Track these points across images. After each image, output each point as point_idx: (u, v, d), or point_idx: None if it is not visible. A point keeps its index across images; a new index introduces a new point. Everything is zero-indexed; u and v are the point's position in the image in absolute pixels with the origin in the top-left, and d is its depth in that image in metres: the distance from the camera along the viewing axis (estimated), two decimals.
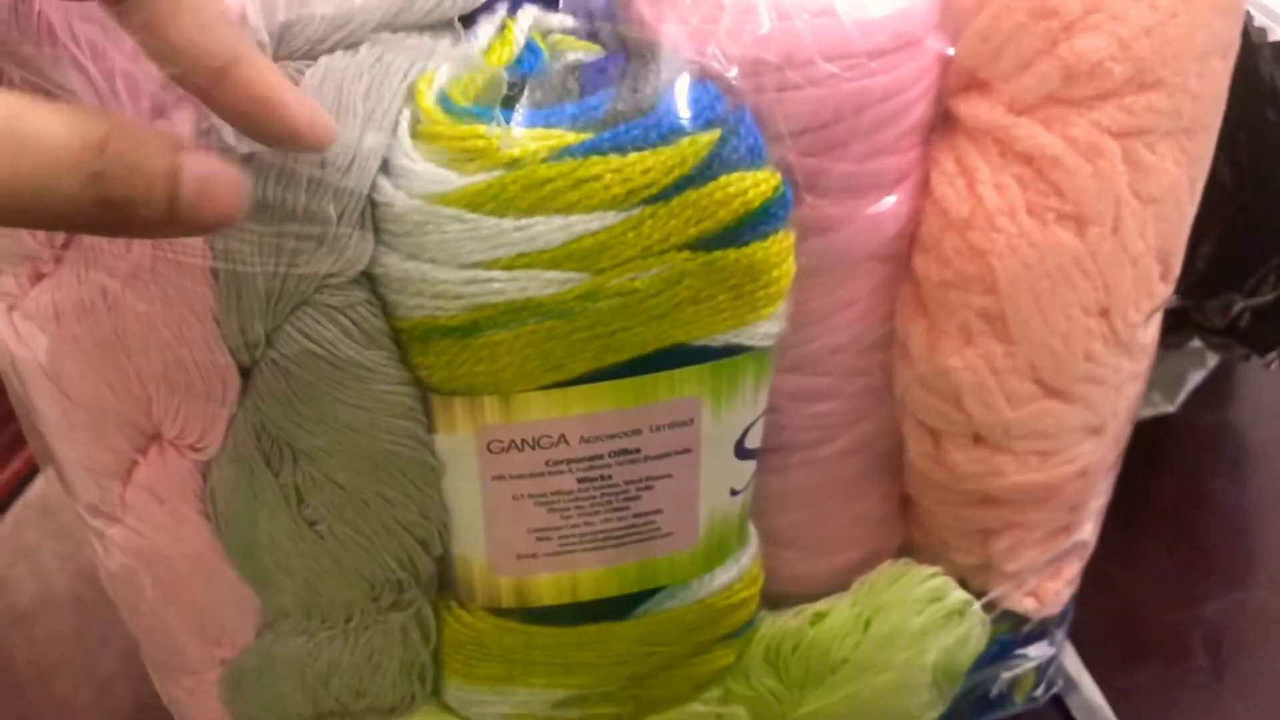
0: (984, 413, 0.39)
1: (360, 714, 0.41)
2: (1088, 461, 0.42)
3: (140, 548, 0.39)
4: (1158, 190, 0.37)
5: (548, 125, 0.32)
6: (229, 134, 0.30)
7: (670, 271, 0.33)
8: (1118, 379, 0.41)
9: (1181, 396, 0.62)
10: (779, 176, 0.33)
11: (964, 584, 0.45)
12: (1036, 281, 0.37)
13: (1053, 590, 0.47)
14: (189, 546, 0.37)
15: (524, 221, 0.31)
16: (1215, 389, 0.63)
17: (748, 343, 0.35)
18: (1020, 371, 0.38)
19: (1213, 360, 0.62)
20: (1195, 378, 0.62)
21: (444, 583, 0.39)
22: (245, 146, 0.30)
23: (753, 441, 0.37)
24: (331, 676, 0.40)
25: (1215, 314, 0.61)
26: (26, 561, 0.64)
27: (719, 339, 0.34)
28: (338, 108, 0.31)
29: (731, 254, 0.33)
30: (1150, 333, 0.41)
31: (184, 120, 0.31)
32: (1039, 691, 0.52)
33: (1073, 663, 0.57)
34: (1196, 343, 0.63)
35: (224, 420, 0.34)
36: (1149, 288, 0.39)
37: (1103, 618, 0.57)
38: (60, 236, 0.33)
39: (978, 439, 0.40)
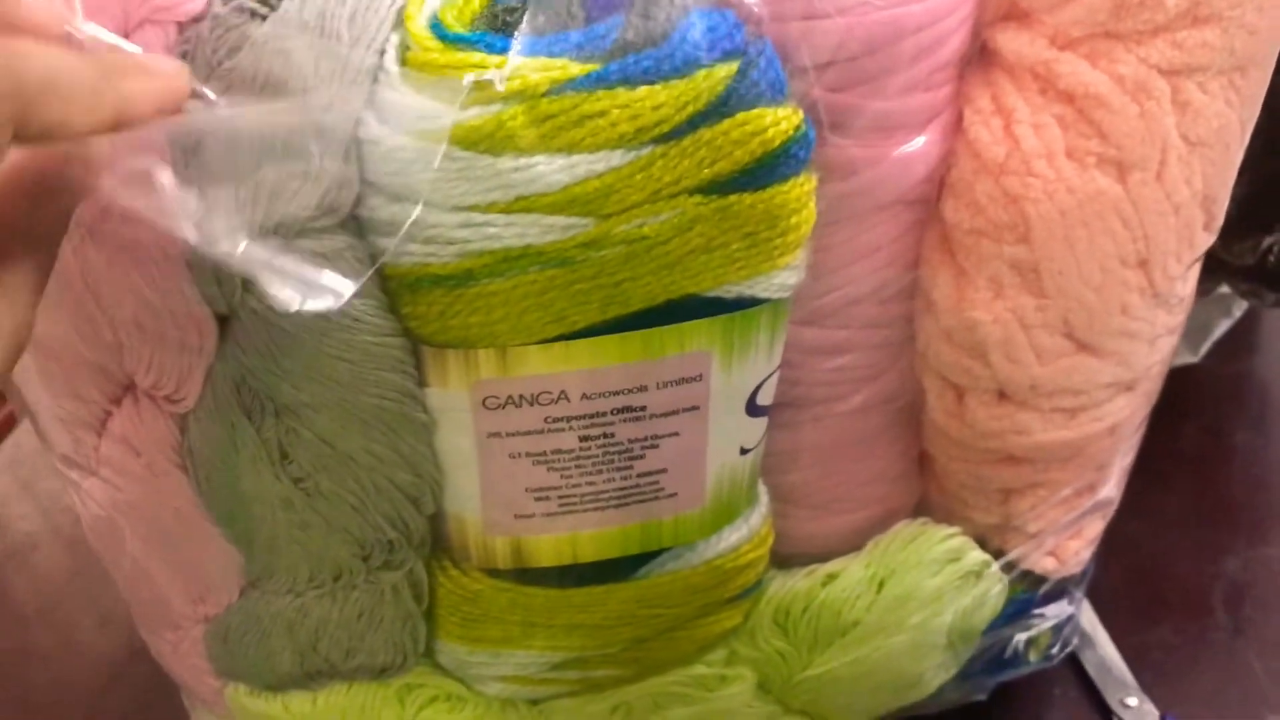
0: (1011, 368, 0.36)
1: (350, 673, 0.39)
2: (1117, 419, 0.40)
3: (117, 501, 0.36)
4: (1207, 133, 0.35)
5: (550, 55, 0.29)
6: (202, 64, 0.28)
7: (681, 217, 0.30)
8: (1153, 333, 0.38)
9: (1206, 346, 0.60)
10: (801, 114, 0.31)
11: (982, 543, 0.43)
12: (1073, 230, 0.34)
13: (1073, 549, 0.45)
14: (168, 501, 0.35)
15: (523, 161, 0.29)
16: (1239, 339, 0.61)
17: (763, 294, 0.32)
18: (1051, 325, 0.36)
19: (1239, 310, 0.59)
20: (1221, 327, 0.59)
21: (438, 542, 0.37)
22: (219, 80, 0.28)
23: (765, 398, 0.35)
24: (320, 636, 0.38)
25: (1247, 253, 0.59)
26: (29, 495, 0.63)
27: (732, 290, 0.32)
28: (320, 33, 0.28)
29: (747, 198, 0.30)
30: (1189, 284, 0.39)
31: (150, 47, 0.28)
32: (1054, 649, 0.51)
33: (1088, 618, 0.55)
34: (1223, 289, 0.60)
35: (201, 371, 0.32)
36: (1191, 237, 0.37)
37: (1121, 572, 0.56)
38: None
39: (1002, 395, 0.38)
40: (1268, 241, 0.55)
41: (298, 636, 0.38)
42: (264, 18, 0.28)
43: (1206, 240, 0.38)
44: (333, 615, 0.37)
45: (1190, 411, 0.61)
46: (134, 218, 0.29)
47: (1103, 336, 0.37)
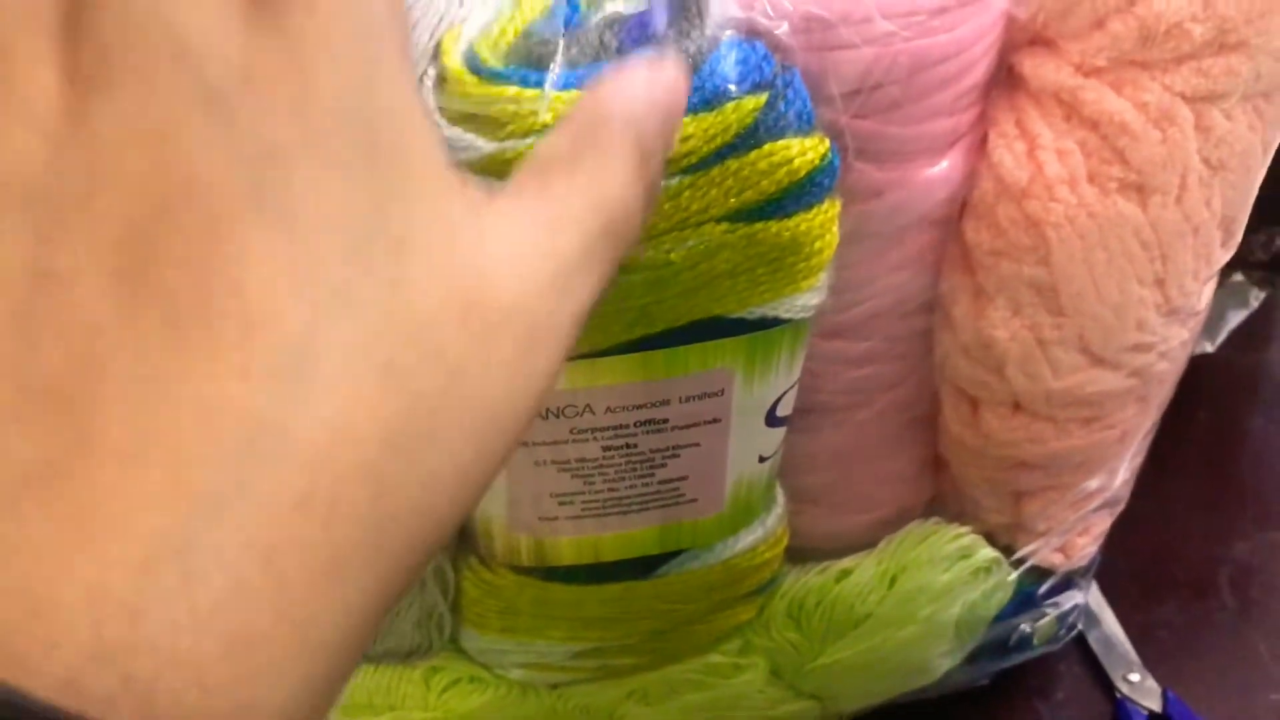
0: (1027, 383, 0.37)
1: (378, 657, 0.41)
2: (1129, 426, 0.41)
3: None
4: (1228, 157, 0.35)
5: (582, 87, 0.29)
6: None
7: (707, 244, 0.31)
8: (1167, 346, 0.39)
9: (1221, 336, 0.60)
10: (827, 143, 0.31)
11: (991, 540, 0.44)
12: (1092, 253, 0.35)
13: (1081, 545, 0.46)
14: None
15: None
16: (1255, 329, 0.61)
17: (785, 315, 0.33)
18: (1067, 342, 0.37)
19: (1255, 300, 0.60)
20: (1237, 317, 0.60)
21: (465, 539, 0.38)
22: None
23: (784, 410, 0.36)
24: None
25: (1259, 247, 0.59)
26: None
27: (755, 312, 0.33)
28: None
29: (773, 226, 0.31)
30: (1205, 297, 0.40)
31: None
32: (1060, 634, 0.52)
33: (1095, 597, 0.56)
34: (1238, 277, 0.60)
35: None
36: (1209, 256, 0.37)
37: (1129, 553, 0.57)
38: None
39: (1017, 407, 0.38)
40: None
41: None
42: None
43: (1224, 257, 0.38)
44: None
45: (1203, 399, 0.62)
46: None
47: (1118, 352, 0.37)
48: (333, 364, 0.17)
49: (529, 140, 0.29)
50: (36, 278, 0.16)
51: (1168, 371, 0.41)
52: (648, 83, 0.23)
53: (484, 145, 0.29)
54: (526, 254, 0.20)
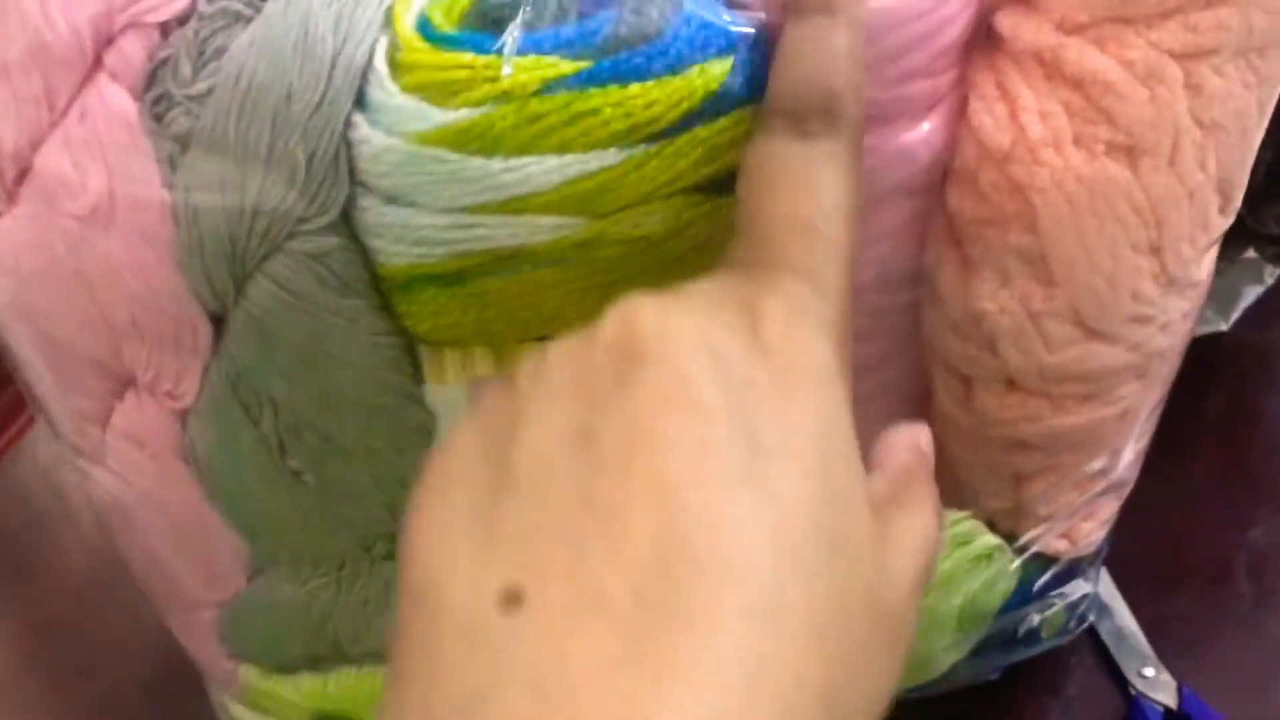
0: (1020, 357, 0.36)
1: (360, 658, 0.40)
2: (1131, 403, 0.39)
3: (124, 490, 0.37)
4: (1222, 116, 0.34)
5: (540, 52, 0.28)
6: (186, 67, 0.27)
7: (677, 217, 0.30)
8: (1166, 318, 0.37)
9: (1236, 314, 0.58)
10: None
11: (992, 526, 0.42)
12: (1082, 219, 0.33)
13: (1086, 531, 0.45)
14: (174, 492, 0.36)
15: (514, 162, 0.28)
16: (1269, 306, 0.59)
17: None
18: (1060, 314, 0.35)
19: (1270, 277, 0.58)
20: (1251, 294, 0.58)
21: None
22: (205, 82, 0.27)
23: None
24: (326, 622, 0.38)
25: (1273, 221, 0.58)
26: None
27: None
28: (305, 34, 0.28)
29: None
30: (1205, 267, 0.38)
31: (134, 50, 0.28)
32: (1070, 626, 0.50)
33: (1106, 587, 0.55)
34: (1251, 254, 0.59)
35: (197, 369, 0.32)
36: (1206, 221, 0.36)
37: (1141, 541, 0.55)
38: (12, 172, 0.30)
39: (1011, 384, 0.37)
40: None
41: (305, 622, 0.38)
42: (249, 20, 0.28)
43: (1223, 223, 0.37)
44: (338, 602, 0.38)
45: (1217, 379, 0.60)
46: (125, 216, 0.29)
47: (1114, 323, 0.36)
48: (797, 621, 0.21)
49: (484, 108, 0.28)
50: (592, 508, 0.21)
51: (1169, 346, 0.39)
52: (923, 437, 0.29)
53: (439, 115, 0.28)
54: (905, 568, 0.25)
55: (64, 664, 0.56)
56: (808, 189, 0.27)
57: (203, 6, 0.28)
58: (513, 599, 0.21)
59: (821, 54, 0.28)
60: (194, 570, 0.39)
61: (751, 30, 0.29)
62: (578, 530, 0.21)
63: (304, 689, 0.41)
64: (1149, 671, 0.52)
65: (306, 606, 0.38)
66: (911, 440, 0.28)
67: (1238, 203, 0.37)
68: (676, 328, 0.23)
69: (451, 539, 0.22)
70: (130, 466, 0.36)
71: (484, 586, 0.21)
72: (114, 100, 0.28)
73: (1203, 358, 0.43)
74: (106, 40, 0.28)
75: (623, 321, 0.24)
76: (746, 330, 0.24)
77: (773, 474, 0.22)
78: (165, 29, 0.28)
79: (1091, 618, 0.52)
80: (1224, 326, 0.59)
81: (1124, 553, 0.51)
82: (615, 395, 0.22)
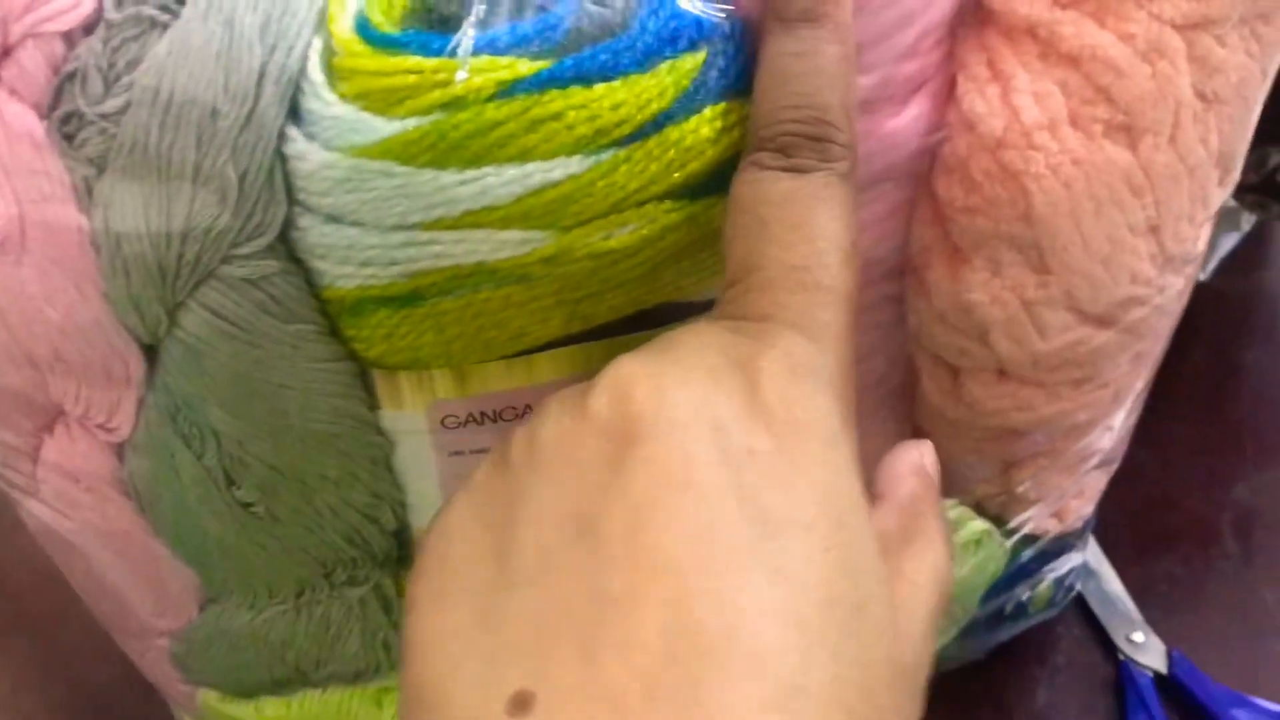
0: (1012, 347, 0.34)
1: (323, 681, 0.38)
2: (1124, 383, 0.38)
3: (63, 522, 0.34)
4: (1225, 88, 0.31)
5: (495, 52, 0.26)
6: (96, 82, 0.24)
7: (650, 226, 0.27)
8: (1163, 298, 0.35)
9: (1214, 264, 0.57)
10: None
11: (980, 509, 0.41)
12: (1079, 204, 0.31)
13: (1075, 508, 0.43)
14: (114, 525, 0.33)
15: (470, 174, 0.26)
16: (1248, 255, 0.58)
17: None
18: (1054, 301, 0.33)
19: (1247, 223, 0.56)
20: (1228, 243, 0.57)
21: (405, 554, 0.34)
22: (119, 97, 0.24)
23: None
24: (287, 649, 0.36)
25: (1251, 168, 0.56)
26: None
27: (708, 294, 0.29)
28: (230, 41, 0.25)
29: (722, 201, 0.27)
30: (1201, 241, 0.36)
31: (35, 63, 0.25)
32: (1058, 598, 0.49)
33: (1093, 552, 0.54)
34: (1230, 202, 0.57)
35: (131, 401, 0.30)
36: (1205, 197, 0.34)
37: (1125, 502, 0.53)
38: None
39: (1002, 373, 0.35)
40: (1276, 159, 0.52)
41: (264, 650, 0.36)
42: (165, 27, 0.25)
43: (1222, 195, 0.35)
44: (298, 629, 0.35)
45: (1198, 331, 0.59)
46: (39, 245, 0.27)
47: (1110, 307, 0.34)
48: (814, 703, 0.20)
49: (433, 117, 0.25)
50: (598, 603, 0.20)
51: (1164, 324, 0.37)
52: (927, 457, 0.28)
53: (383, 126, 0.25)
54: (920, 613, 0.24)
55: (23, 669, 0.53)
56: (801, 231, 0.25)
57: (111, 13, 0.25)
58: (523, 704, 0.20)
59: (809, 73, 0.25)
60: (143, 599, 0.36)
61: (726, 18, 0.27)
62: (585, 626, 0.20)
63: (266, 711, 0.39)
64: (1137, 636, 0.51)
65: (264, 634, 0.35)
66: (915, 464, 0.27)
67: (1237, 174, 0.35)
68: (673, 403, 0.22)
69: (456, 639, 0.21)
70: (65, 500, 0.33)
71: (493, 691, 0.20)
72: (15, 119, 0.25)
73: (1183, 310, 0.42)
74: (2, 52, 0.24)
75: (618, 399, 0.22)
76: (745, 394, 0.22)
77: (784, 550, 0.21)
78: (70, 39, 0.25)
79: (1079, 586, 0.51)
80: (1203, 277, 0.57)
81: (1109, 517, 0.50)
82: (615, 479, 0.21)
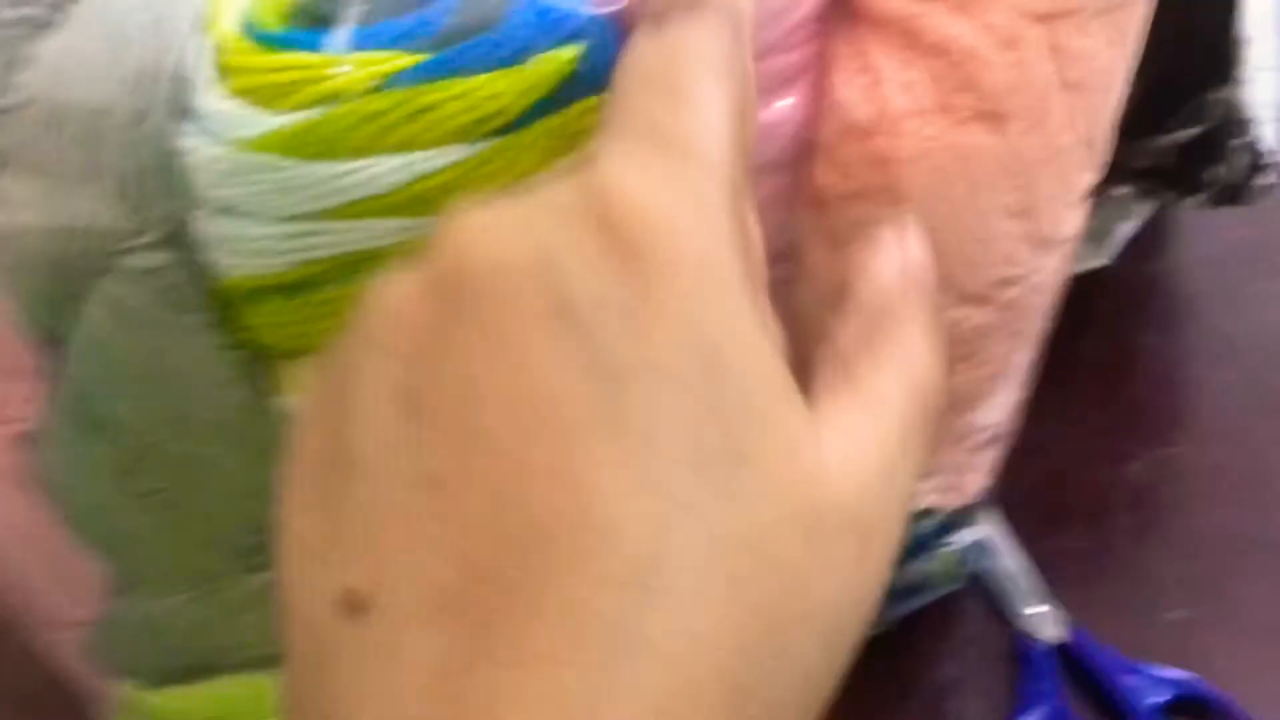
0: None
1: (237, 666, 0.38)
2: (1003, 361, 0.39)
3: None
4: (1088, 76, 0.33)
5: (377, 47, 0.27)
6: None
7: None
8: (1039, 278, 0.37)
9: (1114, 248, 0.59)
10: None
11: None
12: (951, 188, 0.33)
13: (970, 481, 0.45)
14: (15, 519, 0.34)
15: (353, 165, 0.27)
16: (1146, 241, 0.60)
17: None
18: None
19: (1141, 211, 0.58)
20: (1123, 229, 0.59)
21: None
22: (8, 98, 0.25)
23: None
24: (198, 636, 0.37)
25: (1141, 154, 0.58)
26: None
27: None
28: (120, 42, 0.26)
29: None
30: (1074, 223, 0.38)
31: None
32: (958, 571, 0.51)
33: (994, 526, 0.55)
34: (1123, 189, 0.59)
35: (33, 394, 0.30)
36: (1076, 179, 0.35)
37: (1027, 480, 0.55)
38: None
39: None
40: (1163, 142, 0.54)
41: (176, 638, 0.37)
42: (54, 27, 0.26)
43: (1091, 177, 0.37)
44: (209, 616, 0.36)
45: (1097, 315, 0.61)
46: None
47: (986, 288, 0.36)
48: (681, 574, 0.18)
49: (317, 110, 0.26)
50: (426, 489, 0.18)
51: (1040, 303, 0.39)
52: (911, 247, 0.24)
53: (267, 120, 0.26)
54: (857, 455, 0.20)
55: None
56: (672, 57, 0.22)
57: (3, 13, 0.26)
58: (357, 605, 0.18)
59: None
60: (52, 590, 0.37)
61: (602, 13, 0.28)
62: (416, 515, 0.18)
63: (180, 700, 0.39)
64: (1038, 609, 0.53)
65: (175, 622, 0.36)
66: (889, 257, 0.24)
67: (1104, 156, 0.37)
68: (508, 250, 0.19)
69: (300, 543, 0.20)
70: None
71: (326, 592, 0.19)
72: None
73: (1079, 295, 0.43)
74: None
75: (449, 250, 0.20)
76: (595, 229, 0.19)
77: (633, 406, 0.18)
78: None
79: (981, 561, 0.52)
80: (1105, 261, 0.59)
81: (1009, 493, 0.52)
82: (442, 345, 0.19)
